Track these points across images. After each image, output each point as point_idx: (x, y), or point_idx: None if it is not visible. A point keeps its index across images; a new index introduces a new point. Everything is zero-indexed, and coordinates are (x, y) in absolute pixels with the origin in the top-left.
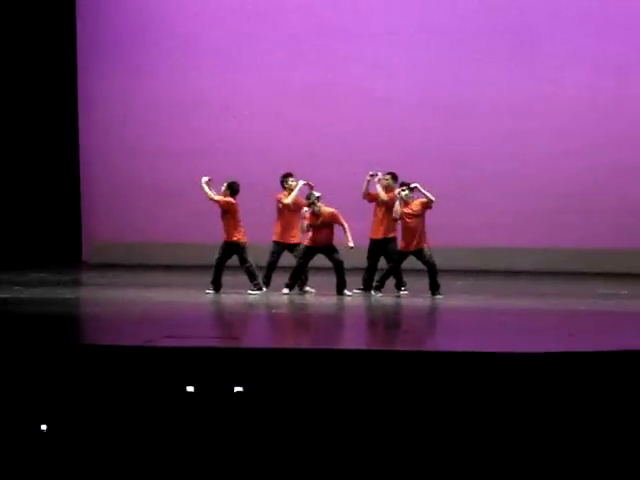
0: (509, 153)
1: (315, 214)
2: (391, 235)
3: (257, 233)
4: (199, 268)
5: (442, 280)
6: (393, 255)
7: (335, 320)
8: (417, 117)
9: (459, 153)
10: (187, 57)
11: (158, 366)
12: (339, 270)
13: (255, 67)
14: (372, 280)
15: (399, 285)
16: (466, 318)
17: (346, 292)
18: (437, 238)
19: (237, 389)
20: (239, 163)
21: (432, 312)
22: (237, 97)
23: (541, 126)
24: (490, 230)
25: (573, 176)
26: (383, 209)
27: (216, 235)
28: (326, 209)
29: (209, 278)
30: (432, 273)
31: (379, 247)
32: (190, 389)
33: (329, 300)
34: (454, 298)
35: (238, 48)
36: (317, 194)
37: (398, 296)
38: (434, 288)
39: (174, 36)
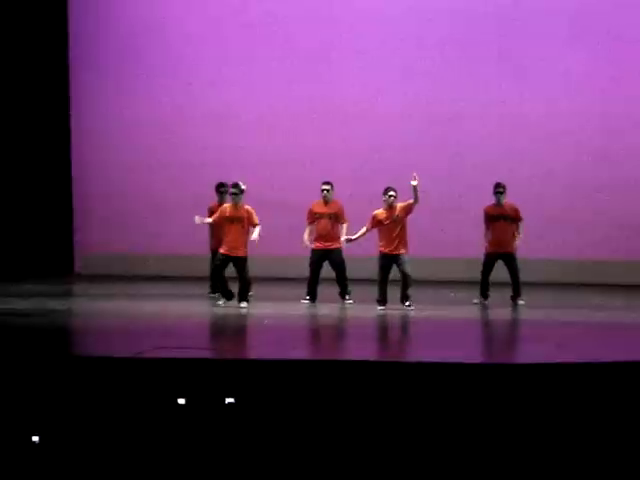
0: (503, 167)
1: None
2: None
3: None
4: (191, 280)
5: (437, 291)
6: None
7: (327, 330)
8: (411, 131)
9: (453, 166)
10: (181, 71)
11: (149, 378)
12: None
13: (249, 82)
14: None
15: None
16: (458, 329)
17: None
18: (432, 249)
19: (229, 400)
20: (232, 177)
21: (428, 324)
22: (231, 111)
23: (533, 141)
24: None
25: (566, 189)
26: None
27: (207, 247)
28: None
29: (200, 289)
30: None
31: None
32: (181, 401)
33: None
34: (446, 309)
35: (232, 63)
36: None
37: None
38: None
39: (167, 51)
